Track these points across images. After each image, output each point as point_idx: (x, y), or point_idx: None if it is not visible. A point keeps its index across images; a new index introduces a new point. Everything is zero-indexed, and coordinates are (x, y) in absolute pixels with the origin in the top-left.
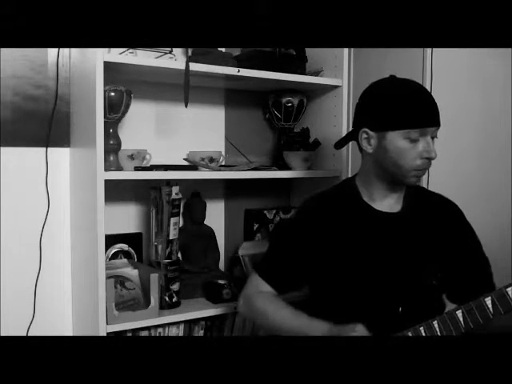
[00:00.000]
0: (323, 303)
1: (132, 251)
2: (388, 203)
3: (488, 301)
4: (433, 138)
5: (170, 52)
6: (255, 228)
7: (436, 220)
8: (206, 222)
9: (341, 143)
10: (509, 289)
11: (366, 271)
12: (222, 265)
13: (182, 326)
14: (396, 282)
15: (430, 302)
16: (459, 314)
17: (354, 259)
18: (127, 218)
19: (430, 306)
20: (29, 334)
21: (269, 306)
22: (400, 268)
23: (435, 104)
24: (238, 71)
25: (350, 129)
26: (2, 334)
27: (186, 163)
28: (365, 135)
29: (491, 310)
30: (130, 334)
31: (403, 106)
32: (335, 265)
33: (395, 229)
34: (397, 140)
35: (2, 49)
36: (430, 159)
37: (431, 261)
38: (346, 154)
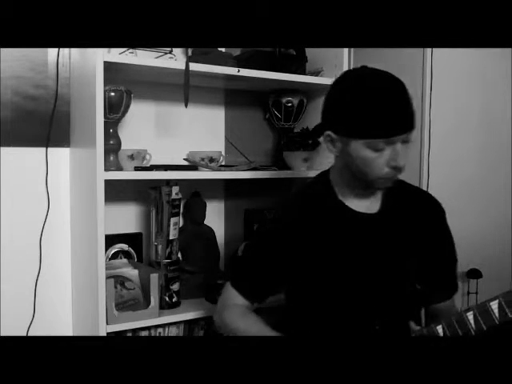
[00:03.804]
0: (298, 314)
1: (132, 251)
2: (365, 203)
3: (470, 316)
4: (406, 142)
5: (170, 52)
6: (255, 228)
7: (416, 220)
8: (206, 222)
9: (312, 136)
10: (492, 303)
11: (342, 281)
12: (222, 265)
13: (181, 326)
14: (374, 291)
15: (410, 313)
16: (439, 329)
17: (329, 267)
18: (127, 218)
19: (410, 318)
20: (29, 334)
21: (239, 323)
22: (378, 276)
23: (406, 108)
24: (238, 71)
25: None
26: (2, 334)
27: (186, 163)
28: (328, 138)
29: (473, 325)
30: (130, 334)
31: (366, 115)
32: (309, 274)
33: (373, 232)
34: (360, 149)
35: (1, 49)
36: (397, 168)
37: (412, 265)
38: None
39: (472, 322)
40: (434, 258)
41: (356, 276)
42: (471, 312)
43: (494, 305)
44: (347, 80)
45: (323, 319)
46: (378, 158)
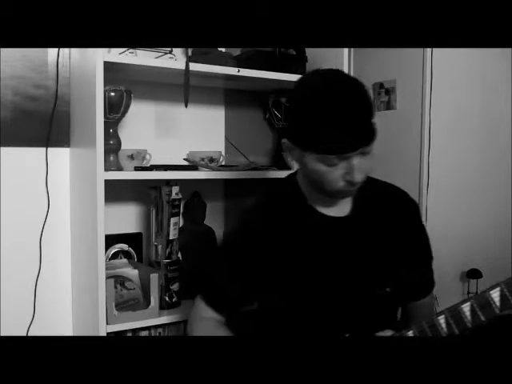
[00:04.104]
0: (270, 320)
1: (132, 251)
2: (334, 206)
3: (441, 320)
4: (365, 154)
5: (170, 52)
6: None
7: (388, 218)
8: (206, 222)
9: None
10: (463, 306)
11: (311, 288)
12: None
13: (181, 326)
14: (343, 297)
15: (382, 319)
16: (411, 335)
17: (299, 274)
18: (127, 218)
19: (381, 324)
20: (29, 334)
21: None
22: (348, 282)
23: (362, 122)
24: (238, 71)
25: None
26: (2, 334)
27: (186, 163)
28: (285, 145)
29: (445, 330)
30: (130, 334)
31: (317, 130)
32: (279, 281)
33: (343, 236)
34: (314, 162)
35: (2, 49)
36: (352, 183)
37: (384, 267)
38: None
39: (444, 326)
40: (409, 255)
41: (325, 282)
42: (443, 316)
43: (466, 307)
44: (301, 89)
45: (293, 326)
46: (332, 172)
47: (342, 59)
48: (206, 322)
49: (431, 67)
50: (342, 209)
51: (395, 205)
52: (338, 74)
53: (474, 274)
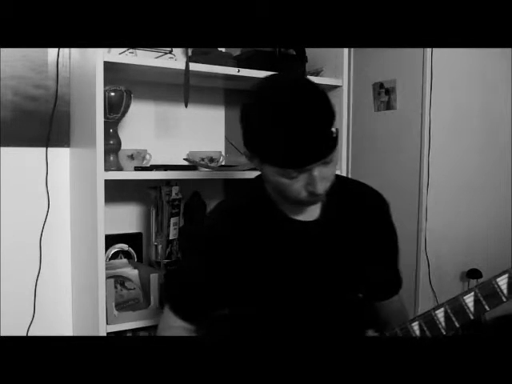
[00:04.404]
0: (241, 327)
1: (132, 251)
2: (303, 210)
3: (415, 326)
4: (326, 163)
5: (170, 52)
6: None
7: (358, 219)
8: None
9: None
10: (437, 311)
11: (280, 294)
12: None
13: None
14: (314, 304)
15: (354, 325)
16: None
17: (267, 281)
18: (127, 218)
19: (353, 330)
20: (29, 334)
21: None
22: (318, 287)
23: (320, 135)
24: (238, 71)
25: (351, 130)
26: (2, 334)
27: (186, 163)
28: (246, 155)
29: (418, 336)
30: (129, 334)
31: (273, 145)
32: (248, 288)
33: (312, 240)
34: (273, 174)
35: (2, 49)
36: (314, 194)
37: (354, 270)
38: (346, 154)
39: (417, 332)
40: (378, 256)
41: (294, 288)
42: (416, 322)
43: (440, 313)
44: (255, 99)
45: (264, 332)
46: (293, 184)
47: (342, 59)
48: (175, 330)
49: (431, 67)
50: (310, 213)
51: (364, 205)
52: (291, 81)
53: (473, 273)
